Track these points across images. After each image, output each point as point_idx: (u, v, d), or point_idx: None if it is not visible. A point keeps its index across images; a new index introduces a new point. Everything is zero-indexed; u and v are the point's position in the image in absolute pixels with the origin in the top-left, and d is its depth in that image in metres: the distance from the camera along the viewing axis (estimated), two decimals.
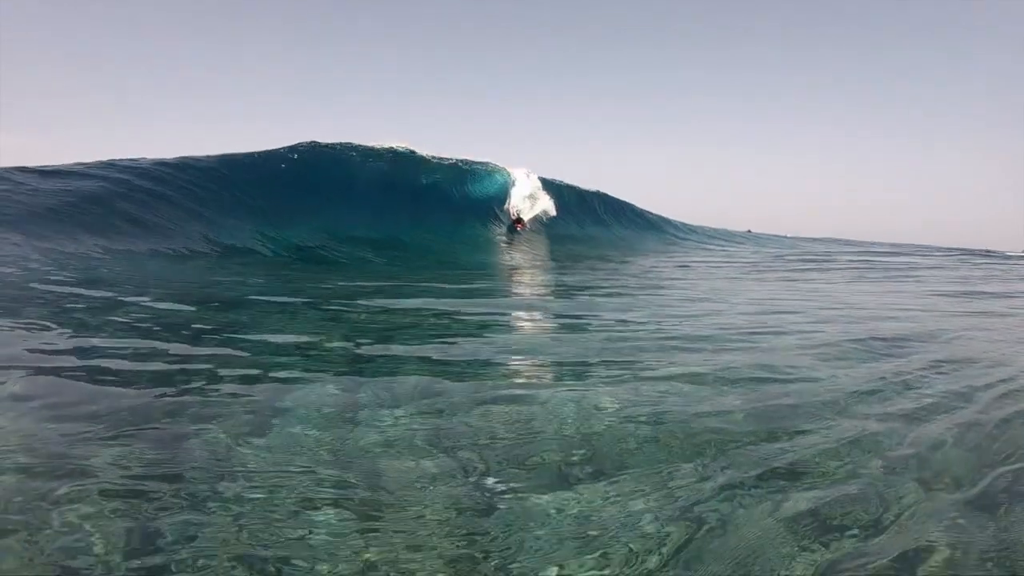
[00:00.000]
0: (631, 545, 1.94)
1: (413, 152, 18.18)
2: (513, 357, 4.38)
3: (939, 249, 45.31)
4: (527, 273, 11.91)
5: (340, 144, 17.19)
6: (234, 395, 3.18)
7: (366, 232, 13.65)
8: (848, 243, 51.52)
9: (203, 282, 7.16)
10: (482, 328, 5.50)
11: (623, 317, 6.23)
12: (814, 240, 52.99)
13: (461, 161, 19.17)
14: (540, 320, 6.37)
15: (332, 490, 2.23)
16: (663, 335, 5.35)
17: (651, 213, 28.66)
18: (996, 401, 3.73)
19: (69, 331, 4.17)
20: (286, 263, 10.55)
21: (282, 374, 3.57)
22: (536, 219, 19.12)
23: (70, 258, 7.50)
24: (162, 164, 13.23)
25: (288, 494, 2.18)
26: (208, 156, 14.47)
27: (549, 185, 21.42)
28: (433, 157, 18.46)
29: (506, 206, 18.46)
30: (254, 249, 11.00)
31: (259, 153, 15.50)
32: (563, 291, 9.24)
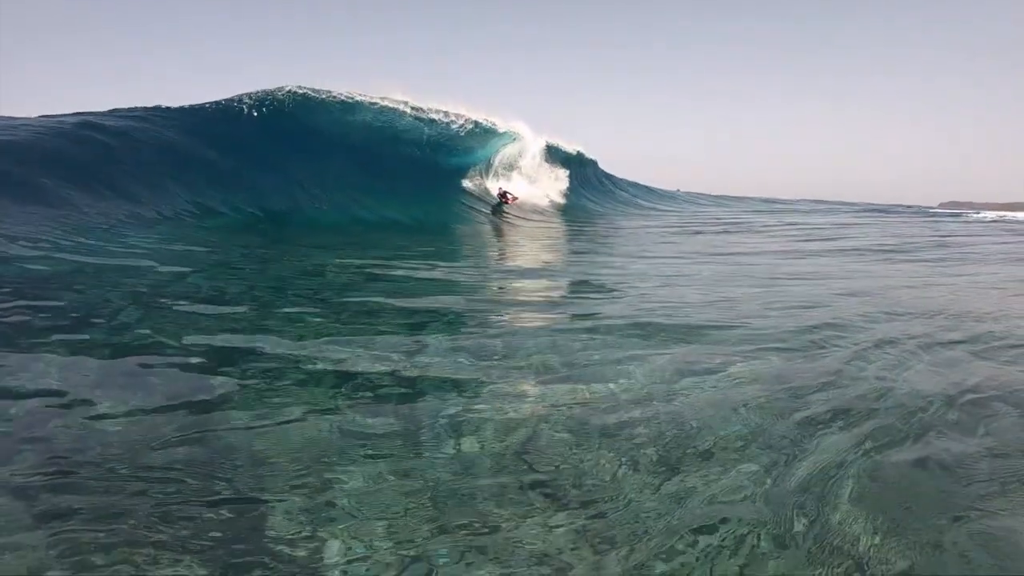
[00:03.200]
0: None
1: (406, 104, 16.43)
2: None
3: (864, 206, 48.74)
4: (528, 245, 11.60)
5: (324, 92, 15.35)
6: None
7: (347, 194, 12.64)
8: (773, 202, 54.55)
9: (165, 254, 6.24)
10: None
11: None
12: (740, 199, 55.86)
13: (463, 117, 17.45)
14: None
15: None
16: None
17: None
18: None
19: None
20: (252, 226, 9.59)
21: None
22: (543, 194, 18.54)
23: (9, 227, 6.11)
24: (117, 116, 11.43)
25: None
26: (170, 107, 12.67)
27: (562, 155, 20.62)
28: (430, 111, 16.81)
29: (491, 179, 17.43)
30: (218, 210, 9.72)
31: (228, 101, 13.79)
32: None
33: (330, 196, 12.20)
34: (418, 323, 4.19)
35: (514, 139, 18.78)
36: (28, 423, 2.40)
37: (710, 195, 52.38)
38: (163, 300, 4.34)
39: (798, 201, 61.60)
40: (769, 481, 2.22)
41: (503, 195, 15.22)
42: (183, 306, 4.20)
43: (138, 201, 8.48)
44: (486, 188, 16.75)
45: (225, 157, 11.44)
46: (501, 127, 18.40)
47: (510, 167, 18.49)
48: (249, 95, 13.86)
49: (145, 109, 12.16)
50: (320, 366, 3.17)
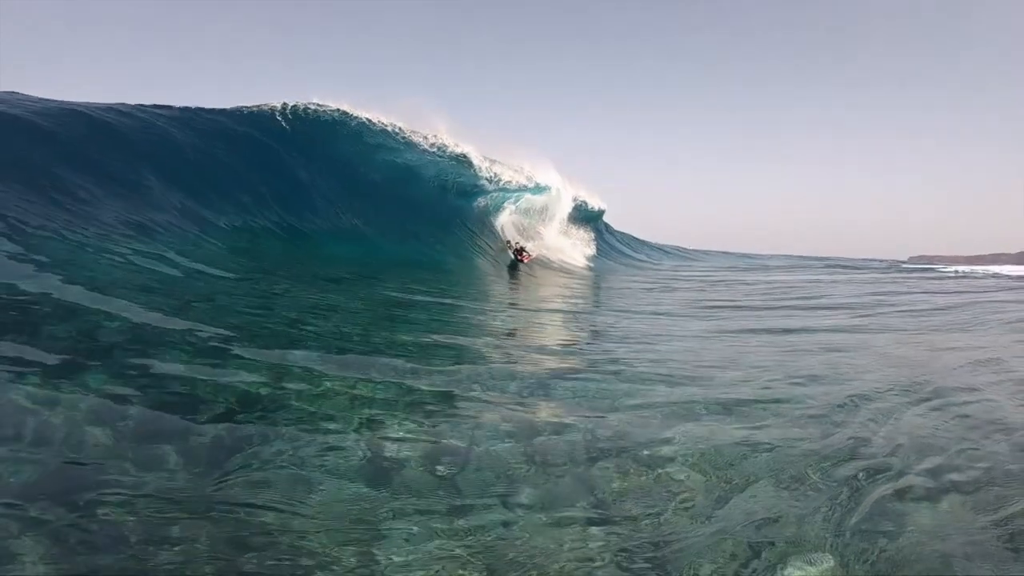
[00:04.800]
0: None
1: (456, 145, 16.46)
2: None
3: (838, 260, 50.16)
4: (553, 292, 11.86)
5: (340, 112, 14.62)
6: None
7: (366, 225, 12.61)
8: (748, 257, 56.10)
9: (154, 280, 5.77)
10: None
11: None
12: (710, 253, 57.52)
13: (499, 165, 17.90)
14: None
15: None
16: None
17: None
18: None
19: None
20: (264, 244, 9.35)
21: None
22: (563, 247, 19.38)
23: None
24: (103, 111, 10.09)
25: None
26: (170, 106, 11.87)
27: (584, 211, 21.61)
28: (471, 156, 17.03)
29: (504, 235, 17.73)
30: (231, 223, 9.32)
31: (261, 108, 13.37)
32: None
33: (351, 223, 12.26)
34: (448, 368, 4.53)
35: (546, 191, 19.77)
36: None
37: (686, 248, 53.85)
38: (170, 334, 4.29)
39: (770, 256, 63.41)
40: (793, 507, 2.73)
41: (519, 251, 15.46)
42: (197, 343, 4.23)
43: (143, 204, 8.17)
44: (507, 237, 17.26)
45: (251, 167, 11.36)
46: (539, 180, 19.25)
47: (537, 217, 19.55)
48: (284, 105, 13.69)
49: (168, 107, 11.71)
50: (353, 415, 3.42)
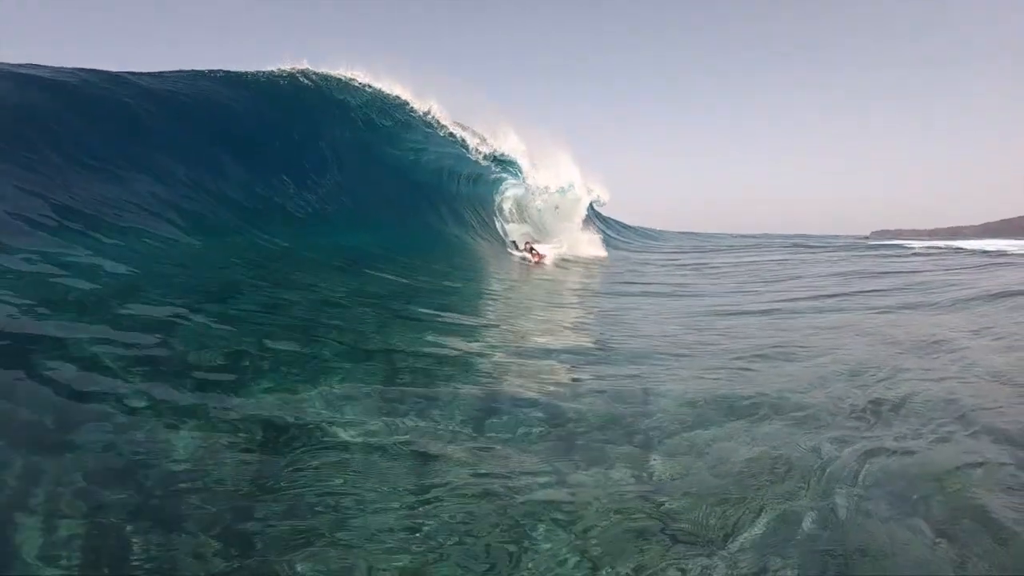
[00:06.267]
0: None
1: (485, 142, 16.19)
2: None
3: (802, 237, 51.16)
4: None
5: (394, 97, 14.01)
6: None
7: (374, 211, 12.19)
8: (708, 237, 56.93)
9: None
10: None
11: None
12: (674, 234, 58.55)
13: (520, 154, 17.58)
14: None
15: None
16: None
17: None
18: None
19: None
20: (265, 224, 8.63)
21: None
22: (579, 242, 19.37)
23: None
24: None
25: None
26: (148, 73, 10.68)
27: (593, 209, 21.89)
28: (495, 150, 16.69)
29: (516, 232, 17.58)
30: (233, 197, 8.79)
31: (281, 73, 12.51)
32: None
33: (366, 206, 12.00)
34: (468, 349, 4.58)
35: (569, 191, 19.89)
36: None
37: (653, 228, 54.51)
38: (150, 348, 3.75)
39: (734, 236, 64.55)
40: (780, 466, 2.96)
41: (530, 250, 15.17)
42: (187, 359, 3.76)
43: (145, 178, 7.53)
44: (519, 234, 17.33)
45: (255, 137, 10.73)
46: (562, 178, 19.43)
47: (555, 216, 19.71)
48: (305, 72, 12.80)
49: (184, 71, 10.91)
50: (374, 442, 3.16)
